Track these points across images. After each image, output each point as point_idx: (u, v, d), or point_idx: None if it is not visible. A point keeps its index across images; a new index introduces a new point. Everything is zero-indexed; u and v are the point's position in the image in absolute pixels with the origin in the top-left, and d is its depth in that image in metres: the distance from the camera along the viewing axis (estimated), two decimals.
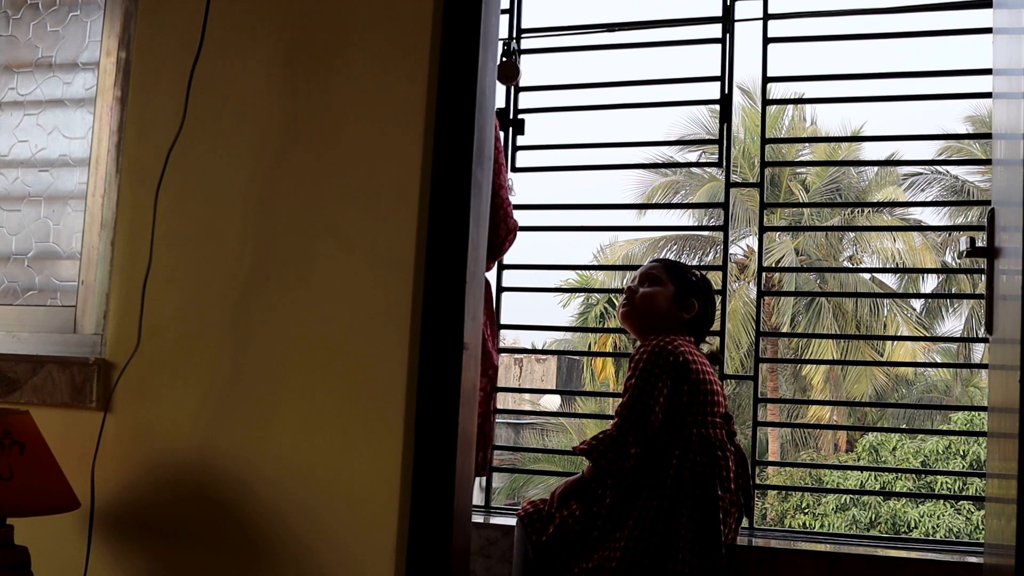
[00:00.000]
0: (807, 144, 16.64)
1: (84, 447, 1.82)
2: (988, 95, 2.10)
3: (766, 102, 2.80)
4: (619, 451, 1.98)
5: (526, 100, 2.84)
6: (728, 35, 2.70)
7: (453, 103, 1.72)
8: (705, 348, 2.26)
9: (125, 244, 1.90)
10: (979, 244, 1.78)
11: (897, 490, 11.98)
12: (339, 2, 1.80)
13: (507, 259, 2.82)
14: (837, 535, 2.56)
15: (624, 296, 2.26)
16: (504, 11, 2.62)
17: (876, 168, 16.64)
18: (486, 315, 2.20)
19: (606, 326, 16.11)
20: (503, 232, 2.50)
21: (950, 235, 15.14)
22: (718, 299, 2.75)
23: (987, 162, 2.99)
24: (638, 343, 2.20)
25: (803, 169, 17.07)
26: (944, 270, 17.33)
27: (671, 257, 16.14)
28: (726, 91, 2.69)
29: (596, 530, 2.00)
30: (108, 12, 2.05)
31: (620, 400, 2.07)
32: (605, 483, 2.03)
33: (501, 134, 2.44)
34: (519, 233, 2.85)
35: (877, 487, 12.15)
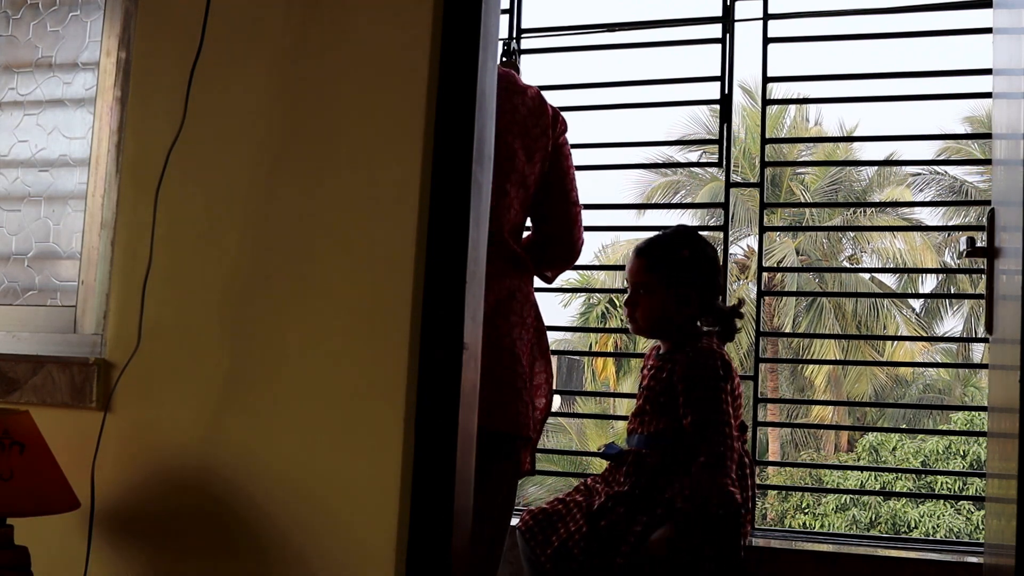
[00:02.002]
0: (808, 144, 16.64)
1: (84, 447, 1.82)
2: (988, 95, 2.10)
3: (766, 102, 2.80)
4: (732, 484, 1.83)
5: None
6: (728, 35, 2.70)
7: (453, 103, 1.72)
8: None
9: (125, 244, 1.90)
10: (979, 244, 1.78)
11: (897, 490, 12.00)
12: (339, 4, 1.80)
13: None
14: (837, 535, 2.56)
15: (625, 313, 2.13)
16: (504, 11, 2.63)
17: (876, 168, 16.65)
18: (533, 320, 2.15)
19: (607, 326, 16.11)
20: (577, 235, 2.33)
21: (950, 235, 15.16)
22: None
23: (987, 162, 2.99)
24: (659, 346, 2.11)
25: (803, 169, 17.08)
26: (944, 270, 17.33)
27: None
28: (726, 91, 2.69)
29: (600, 544, 1.92)
30: (108, 12, 2.05)
31: (693, 430, 1.89)
32: (630, 502, 1.94)
33: (567, 135, 2.28)
34: None
35: (877, 487, 12.16)
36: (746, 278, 15.69)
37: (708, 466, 1.84)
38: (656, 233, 2.21)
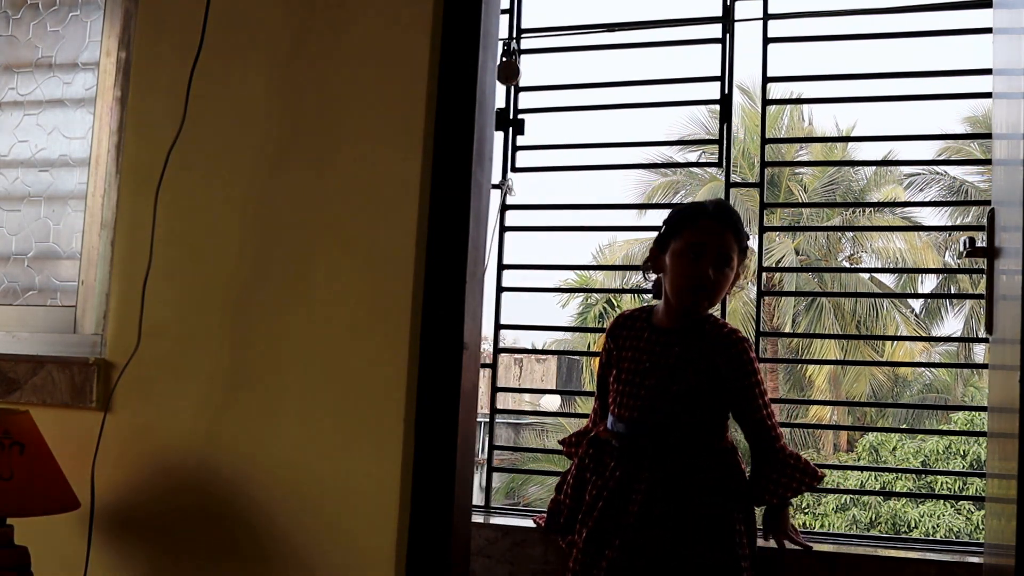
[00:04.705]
0: (805, 144, 16.65)
1: (84, 447, 1.82)
2: (988, 95, 2.10)
3: (766, 102, 2.80)
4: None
5: (526, 100, 2.84)
6: (728, 35, 2.70)
7: (453, 103, 1.72)
8: None
9: (125, 244, 1.90)
10: (979, 244, 1.78)
11: (897, 490, 11.97)
12: (338, 4, 1.80)
13: (507, 259, 2.82)
14: (837, 535, 2.56)
15: (705, 285, 1.87)
16: (504, 11, 2.62)
17: (874, 168, 16.66)
18: None
19: (605, 326, 16.10)
20: None
21: (950, 235, 15.16)
22: None
23: (987, 162, 2.99)
24: (638, 318, 2.01)
25: (802, 169, 17.08)
26: (944, 270, 17.34)
27: None
28: (726, 91, 2.69)
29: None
30: (108, 12, 2.05)
31: (763, 416, 1.93)
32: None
33: None
34: (518, 233, 2.86)
35: (877, 487, 12.14)
36: (745, 278, 15.66)
37: (785, 447, 1.97)
38: (710, 202, 1.99)
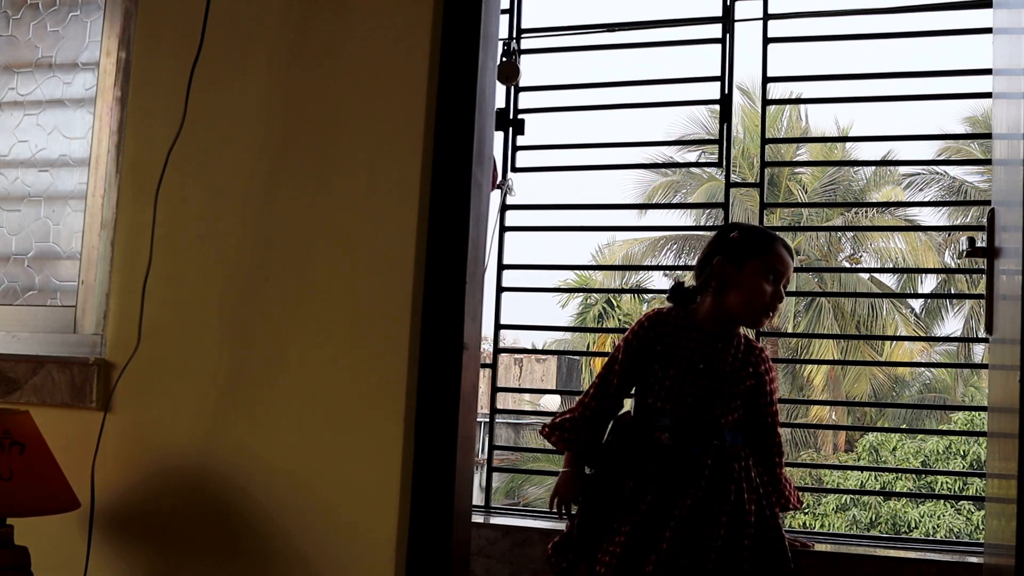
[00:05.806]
0: (803, 144, 16.65)
1: (84, 447, 1.82)
2: (988, 95, 2.10)
3: (766, 102, 2.80)
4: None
5: (526, 100, 2.84)
6: (728, 35, 2.70)
7: (453, 103, 1.72)
8: None
9: (125, 244, 1.90)
10: (979, 244, 1.78)
11: (897, 490, 11.96)
12: (339, 3, 1.80)
13: (507, 259, 2.82)
14: (837, 535, 2.56)
15: (776, 306, 2.04)
16: (504, 11, 2.62)
17: (874, 168, 16.66)
18: None
19: (604, 326, 16.12)
20: None
21: (950, 235, 15.15)
22: None
23: (987, 162, 2.99)
24: (669, 316, 2.05)
25: (802, 169, 17.08)
26: (944, 270, 17.32)
27: (671, 257, 16.15)
28: (726, 91, 2.69)
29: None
30: (108, 12, 2.05)
31: (775, 422, 2.04)
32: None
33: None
34: (518, 233, 2.86)
35: (877, 487, 12.14)
36: None
37: (781, 464, 2.07)
38: (760, 228, 2.20)
